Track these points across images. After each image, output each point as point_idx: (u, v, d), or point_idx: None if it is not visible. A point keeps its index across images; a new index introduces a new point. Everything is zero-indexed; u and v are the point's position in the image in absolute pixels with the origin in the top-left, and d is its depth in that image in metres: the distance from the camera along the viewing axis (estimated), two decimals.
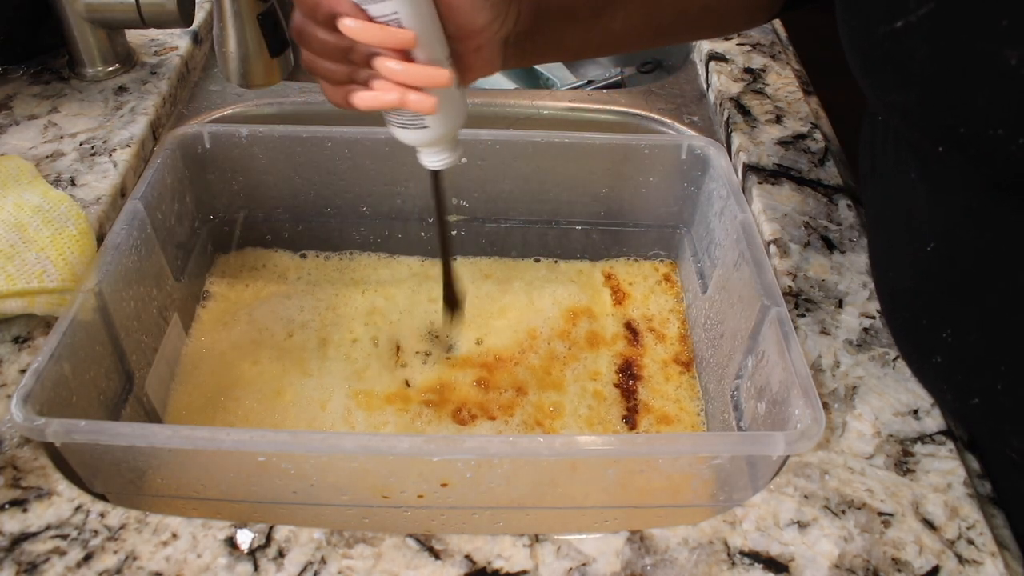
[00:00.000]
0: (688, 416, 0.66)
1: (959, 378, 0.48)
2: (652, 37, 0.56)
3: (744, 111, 0.78)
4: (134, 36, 0.83)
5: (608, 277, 0.78)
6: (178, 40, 0.85)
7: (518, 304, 0.75)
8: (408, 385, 0.68)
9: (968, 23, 0.35)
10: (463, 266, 0.78)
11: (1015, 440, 0.46)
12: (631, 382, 0.68)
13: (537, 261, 0.79)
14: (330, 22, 0.44)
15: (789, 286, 0.60)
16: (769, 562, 0.44)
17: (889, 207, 0.52)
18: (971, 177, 0.43)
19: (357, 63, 0.46)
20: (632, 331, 0.73)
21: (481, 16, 0.45)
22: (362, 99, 0.47)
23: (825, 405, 0.52)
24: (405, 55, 0.45)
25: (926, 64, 0.37)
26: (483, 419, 0.66)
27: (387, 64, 0.45)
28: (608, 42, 0.55)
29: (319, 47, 0.45)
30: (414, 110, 0.46)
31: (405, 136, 0.51)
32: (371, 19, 0.43)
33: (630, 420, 0.66)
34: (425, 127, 0.49)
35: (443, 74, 0.45)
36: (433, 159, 0.52)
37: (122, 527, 0.45)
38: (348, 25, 0.43)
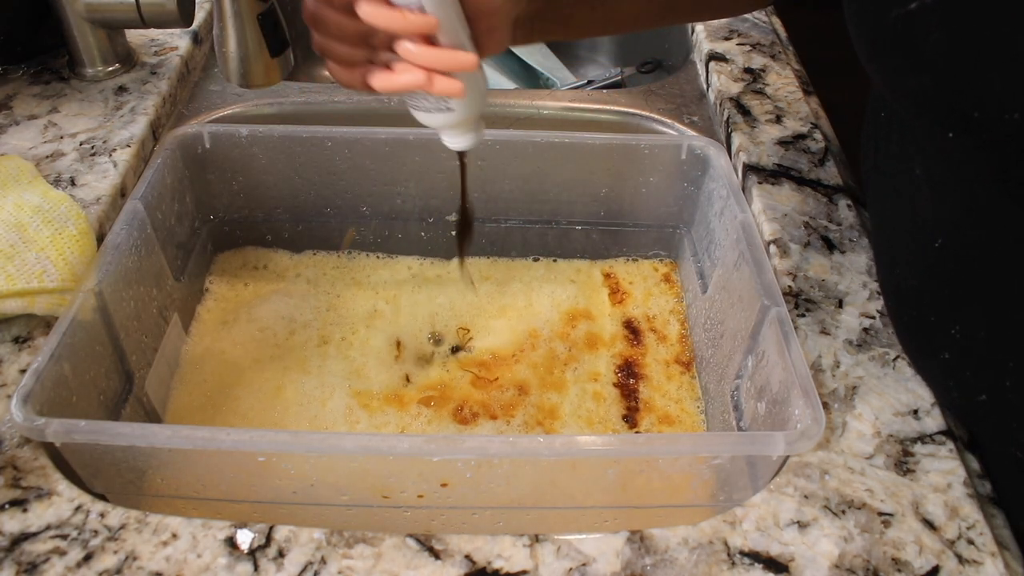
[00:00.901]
0: (688, 416, 0.66)
1: (967, 375, 0.48)
2: (657, 17, 0.55)
3: (744, 111, 0.78)
4: (134, 36, 0.83)
5: (607, 277, 0.78)
6: (178, 40, 0.85)
7: (517, 304, 0.75)
8: (408, 383, 0.68)
9: (984, 6, 0.35)
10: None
11: (1022, 437, 0.46)
12: (631, 382, 0.68)
13: (536, 260, 0.79)
14: (347, 7, 0.43)
15: (789, 286, 0.60)
16: (769, 562, 0.44)
17: (893, 204, 0.52)
18: (979, 171, 0.43)
19: (377, 47, 0.45)
20: (632, 331, 0.73)
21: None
22: (383, 81, 0.45)
23: (825, 405, 0.52)
24: (427, 39, 0.44)
25: (940, 48, 0.37)
26: (484, 418, 0.66)
27: (412, 49, 0.43)
28: (614, 21, 0.54)
29: (336, 31, 0.44)
30: (442, 94, 0.45)
31: (429, 120, 0.50)
32: (391, 4, 0.42)
33: (630, 420, 0.66)
34: (450, 110, 0.48)
35: (470, 58, 0.44)
36: (457, 140, 0.52)
37: (122, 527, 0.45)
38: (368, 12, 0.42)
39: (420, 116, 0.50)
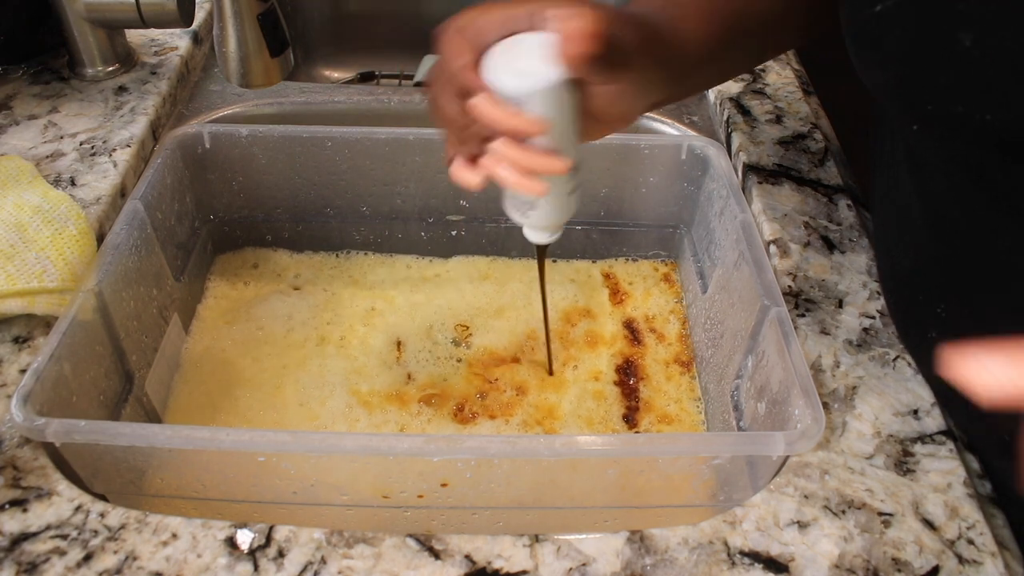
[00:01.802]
0: (688, 415, 0.66)
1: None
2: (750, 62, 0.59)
3: (744, 111, 0.78)
4: (134, 36, 0.83)
5: (607, 277, 0.78)
6: (178, 40, 0.85)
7: (517, 304, 0.75)
8: (407, 382, 0.68)
9: (932, 7, 0.38)
10: (463, 265, 0.78)
11: (1008, 422, 0.47)
12: (631, 381, 0.69)
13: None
14: (462, 94, 0.43)
15: (789, 286, 0.60)
16: (769, 562, 0.44)
17: (889, 191, 0.54)
18: (948, 161, 0.45)
19: (476, 137, 0.45)
20: (632, 331, 0.73)
21: (622, 108, 0.45)
22: (460, 172, 0.46)
23: (825, 405, 0.52)
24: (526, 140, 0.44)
25: (899, 45, 0.40)
26: (483, 418, 0.66)
27: (502, 148, 0.44)
28: (715, 79, 0.56)
29: (446, 112, 0.44)
30: (523, 191, 0.45)
31: (510, 212, 0.50)
32: (498, 101, 0.42)
33: (630, 420, 0.66)
34: (531, 210, 0.49)
35: (560, 165, 0.44)
36: (535, 235, 0.52)
37: (122, 527, 0.45)
38: (477, 106, 0.42)
39: (505, 204, 0.50)
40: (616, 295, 0.76)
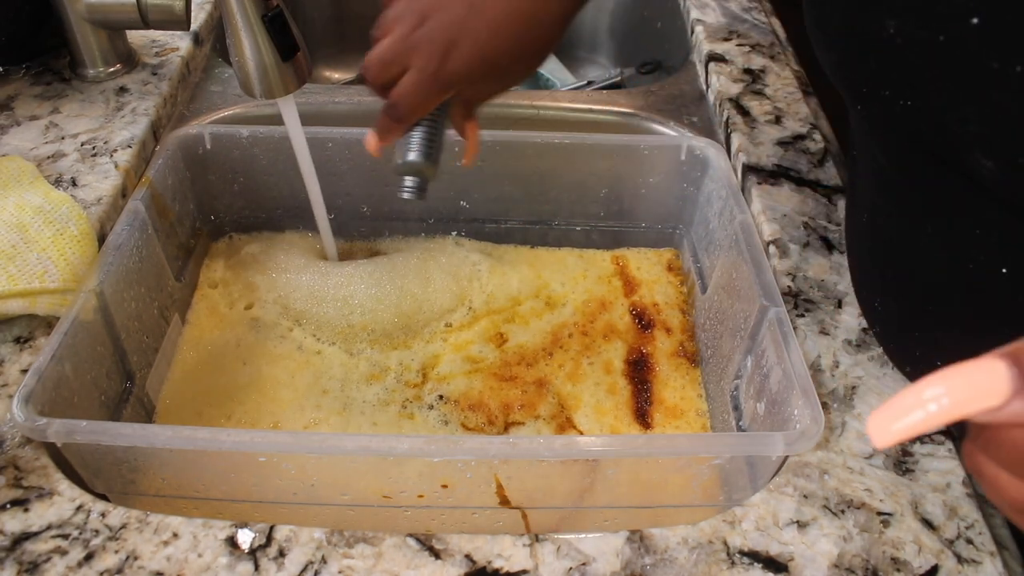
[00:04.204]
0: (693, 407, 0.66)
1: (891, 347, 0.51)
2: None
3: (744, 111, 0.78)
4: (135, 37, 0.84)
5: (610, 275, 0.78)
6: (179, 41, 0.85)
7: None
8: (405, 379, 0.68)
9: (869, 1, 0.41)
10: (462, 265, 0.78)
11: None
12: (642, 372, 0.68)
13: (533, 248, 0.79)
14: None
15: (788, 286, 0.60)
16: (769, 562, 0.44)
17: (849, 188, 0.57)
18: (879, 145, 0.47)
19: None
20: (641, 324, 0.73)
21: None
22: None
23: (824, 405, 0.52)
24: None
25: (839, 28, 0.43)
26: (480, 415, 0.66)
27: None
28: None
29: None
30: None
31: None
32: None
33: (641, 412, 0.65)
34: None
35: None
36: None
37: (123, 527, 0.45)
38: None
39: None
40: (623, 288, 0.76)
